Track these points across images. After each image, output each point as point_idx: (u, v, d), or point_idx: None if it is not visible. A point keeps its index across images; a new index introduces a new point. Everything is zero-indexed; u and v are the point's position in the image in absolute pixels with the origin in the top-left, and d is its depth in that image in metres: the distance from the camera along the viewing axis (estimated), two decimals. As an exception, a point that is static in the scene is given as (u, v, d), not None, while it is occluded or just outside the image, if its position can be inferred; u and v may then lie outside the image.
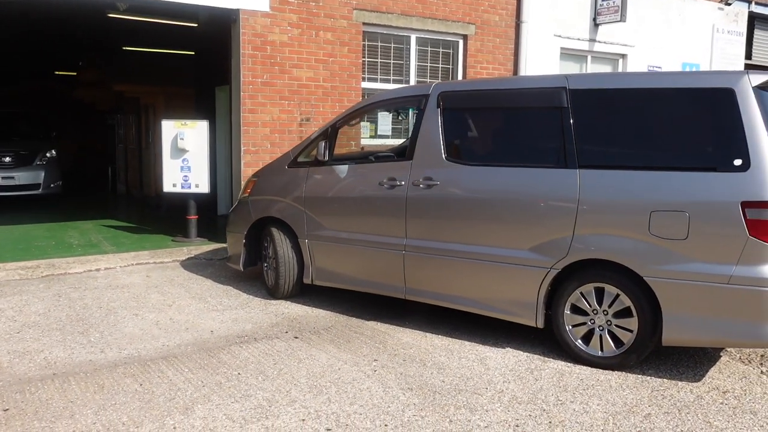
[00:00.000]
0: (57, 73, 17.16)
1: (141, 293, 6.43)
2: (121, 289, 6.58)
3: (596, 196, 4.52)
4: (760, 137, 4.03)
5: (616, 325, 4.54)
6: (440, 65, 9.94)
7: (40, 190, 12.37)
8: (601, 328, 4.60)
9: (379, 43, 9.36)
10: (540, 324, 4.82)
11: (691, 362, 4.74)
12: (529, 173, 4.82)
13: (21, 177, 12.15)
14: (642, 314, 4.41)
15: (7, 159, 12.09)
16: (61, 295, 6.32)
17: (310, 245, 6.00)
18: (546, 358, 4.80)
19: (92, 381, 4.31)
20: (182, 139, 8.50)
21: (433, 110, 5.30)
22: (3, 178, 12.00)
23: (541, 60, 10.64)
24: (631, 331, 4.48)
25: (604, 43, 11.40)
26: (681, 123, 4.37)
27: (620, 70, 11.94)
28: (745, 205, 4.03)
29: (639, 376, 4.49)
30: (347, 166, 5.80)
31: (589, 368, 4.62)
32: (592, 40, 11.26)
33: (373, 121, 9.35)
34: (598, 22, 11.14)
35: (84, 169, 18.34)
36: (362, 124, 9.21)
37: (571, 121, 4.66)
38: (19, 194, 12.18)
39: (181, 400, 4.02)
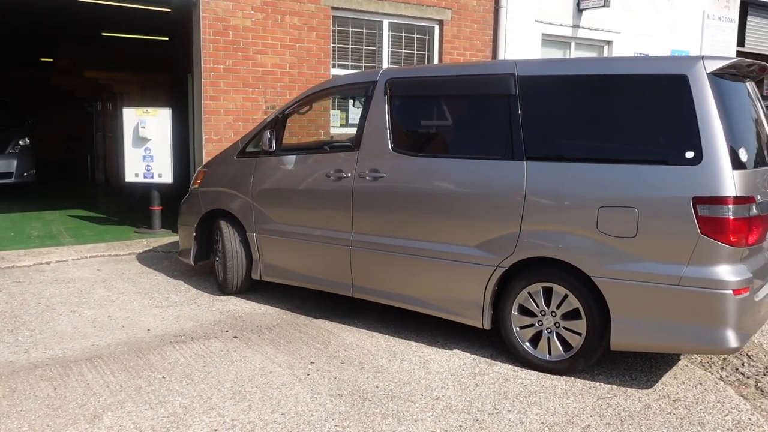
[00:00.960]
0: (42, 60, 16.90)
1: (86, 288, 6.18)
2: (66, 283, 6.33)
3: (544, 190, 4.24)
4: (714, 128, 3.74)
5: (564, 328, 4.27)
6: (415, 52, 9.61)
7: (13, 178, 12.09)
8: (549, 330, 4.33)
9: (351, 29, 9.04)
10: (487, 325, 4.55)
11: (646, 366, 4.47)
12: (476, 165, 4.53)
13: (-6, 165, 11.88)
14: (591, 316, 4.13)
15: (-21, 147, 11.83)
16: (2, 289, 6.07)
17: (258, 239, 5.73)
18: (493, 362, 4.54)
19: (5, 384, 4.06)
20: (143, 127, 8.21)
21: (381, 98, 5.01)
22: (-25, 166, 11.73)
23: (521, 47, 10.30)
24: (579, 334, 4.21)
25: (588, 29, 11.05)
26: (632, 112, 4.07)
27: (606, 56, 11.59)
28: (697, 200, 3.74)
29: (588, 381, 4.22)
30: (295, 157, 5.52)
31: (537, 373, 4.35)
32: (576, 26, 10.92)
33: (344, 110, 9.05)
34: (581, 7, 10.79)
35: (65, 158, 18.06)
36: (332, 112, 8.92)
37: (519, 109, 4.37)
38: (-5, 183, 11.92)
39: (92, 407, 3.77)
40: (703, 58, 3.87)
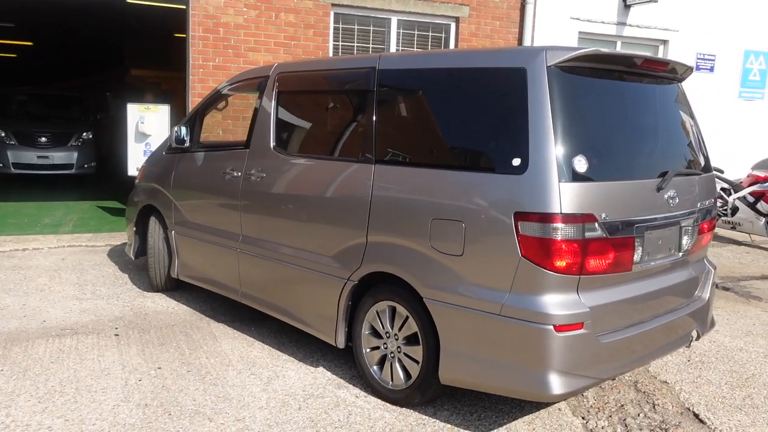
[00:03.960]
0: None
1: (33, 276, 6.36)
2: (20, 270, 6.56)
3: (386, 197, 3.77)
4: (544, 131, 3.12)
5: (405, 354, 3.78)
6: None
7: (73, 169, 12.92)
8: (392, 355, 3.85)
9: (356, 26, 8.76)
10: (340, 344, 4.13)
11: (508, 406, 3.85)
12: (336, 168, 4.13)
13: (55, 157, 12.74)
14: (426, 343, 3.62)
15: (43, 139, 12.72)
16: (-43, 272, 6.41)
17: (176, 237, 5.62)
18: (346, 385, 4.11)
19: None
20: (143, 123, 8.42)
21: (270, 94, 4.72)
22: (38, 157, 12.63)
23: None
24: (417, 363, 3.70)
25: (638, 27, 10.03)
26: (469, 111, 3.51)
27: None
28: (518, 217, 3.15)
29: (425, 417, 3.70)
30: (203, 154, 5.36)
31: (378, 401, 3.89)
32: (622, 24, 9.94)
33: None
34: (628, 2, 9.81)
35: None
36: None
37: (374, 106, 3.93)
38: (52, 173, 12.79)
39: None
40: (547, 48, 3.26)
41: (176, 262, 5.66)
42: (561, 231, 3.06)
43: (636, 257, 3.40)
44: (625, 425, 3.76)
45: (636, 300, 3.46)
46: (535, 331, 3.12)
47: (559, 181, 3.07)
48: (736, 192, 9.28)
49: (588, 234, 3.13)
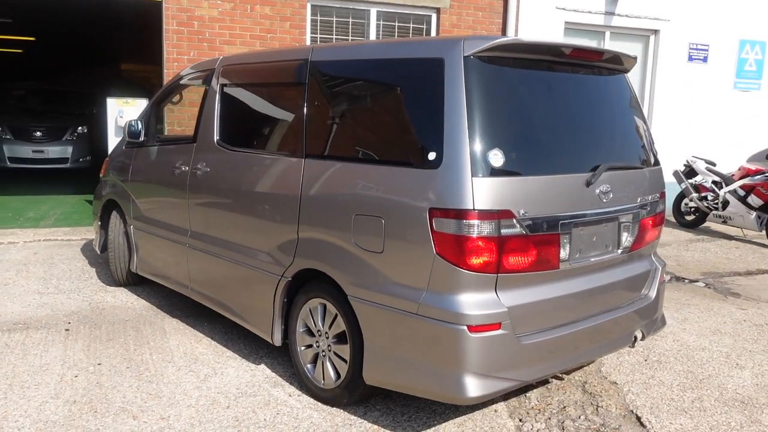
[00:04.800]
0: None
1: (1, 270, 6.36)
2: (-10, 264, 6.58)
3: (314, 192, 3.69)
4: (458, 123, 3.02)
5: (335, 353, 3.70)
6: (411, 42, 9.02)
7: (68, 164, 12.97)
8: (323, 353, 3.78)
9: (335, 18, 8.66)
10: (277, 341, 4.06)
11: (444, 405, 3.76)
12: (272, 162, 4.06)
13: (50, 151, 12.79)
14: (353, 342, 3.54)
15: (38, 133, 12.77)
16: (-73, 266, 6.43)
17: (134, 232, 5.58)
18: (284, 383, 4.05)
19: None
20: (121, 117, 8.39)
21: (215, 86, 4.65)
22: (33, 151, 12.69)
23: (539, 36, 9.34)
24: (346, 362, 3.62)
25: (627, 17, 9.82)
26: (393, 103, 3.41)
27: (651, 48, 10.26)
28: (432, 213, 3.05)
29: (353, 417, 3.63)
30: (157, 148, 5.31)
31: (310, 401, 3.82)
32: (610, 13, 9.73)
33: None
34: (617, -9, 9.60)
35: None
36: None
37: (306, 99, 3.84)
38: (47, 167, 12.85)
39: None
40: (465, 38, 3.15)
41: (135, 257, 5.63)
42: (475, 228, 2.96)
43: (563, 255, 3.29)
44: (563, 428, 3.65)
45: (565, 299, 3.35)
46: (449, 331, 3.02)
47: (473, 176, 2.96)
48: (727, 185, 9.08)
49: (505, 231, 3.02)
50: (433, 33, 8.99)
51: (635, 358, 4.61)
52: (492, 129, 3.06)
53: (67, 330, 4.87)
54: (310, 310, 3.83)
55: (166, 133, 5.27)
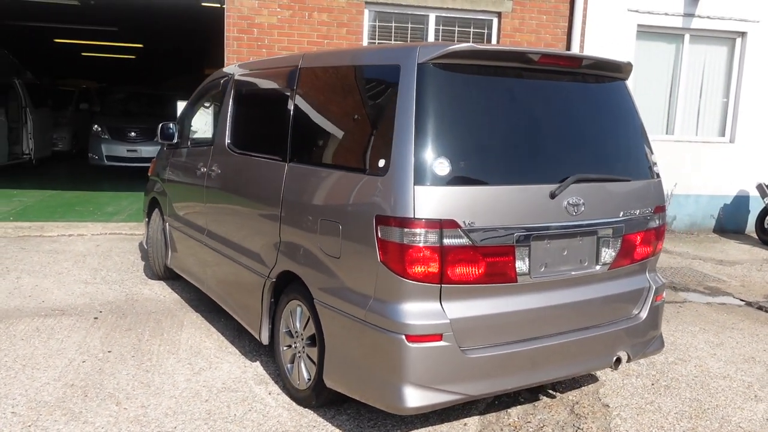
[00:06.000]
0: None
1: (62, 260, 6.91)
2: (56, 254, 7.14)
3: (292, 195, 3.78)
4: (406, 131, 2.99)
5: (307, 354, 3.76)
6: (471, 47, 8.92)
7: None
8: (299, 354, 3.85)
9: (393, 24, 8.72)
10: (264, 339, 4.18)
11: (413, 418, 3.72)
12: (265, 165, 4.18)
13: (143, 150, 13.70)
14: (320, 345, 3.59)
15: (133, 134, 13.73)
16: (5, 253, 7.05)
17: (169, 228, 5.90)
18: (269, 381, 4.16)
19: None
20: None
21: (229, 92, 4.85)
22: (128, 150, 13.67)
23: (608, 39, 8.97)
24: (315, 364, 3.68)
25: (708, 18, 9.21)
26: (357, 110, 3.42)
27: (738, 52, 9.57)
28: (378, 220, 3.04)
29: (320, 420, 3.66)
30: (186, 150, 5.58)
31: (287, 401, 3.90)
32: (690, 15, 9.17)
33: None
34: (697, -8, 9.04)
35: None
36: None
37: (293, 105, 3.93)
38: (140, 165, 13.74)
39: None
40: (422, 46, 3.11)
41: (170, 253, 5.94)
42: (416, 237, 2.93)
43: (522, 268, 3.17)
44: (531, 445, 3.52)
45: (525, 314, 3.22)
46: (389, 340, 3.00)
47: (416, 185, 2.93)
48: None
49: (448, 241, 2.96)
50: (494, 38, 8.85)
51: (642, 381, 4.35)
52: (441, 137, 3.01)
53: (95, 318, 5.22)
54: (290, 312, 3.91)
55: (199, 136, 5.50)
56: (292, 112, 3.91)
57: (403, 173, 2.95)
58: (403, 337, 2.96)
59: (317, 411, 3.76)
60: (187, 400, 3.86)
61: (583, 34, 8.87)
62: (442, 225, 2.94)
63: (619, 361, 3.60)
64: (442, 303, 3.03)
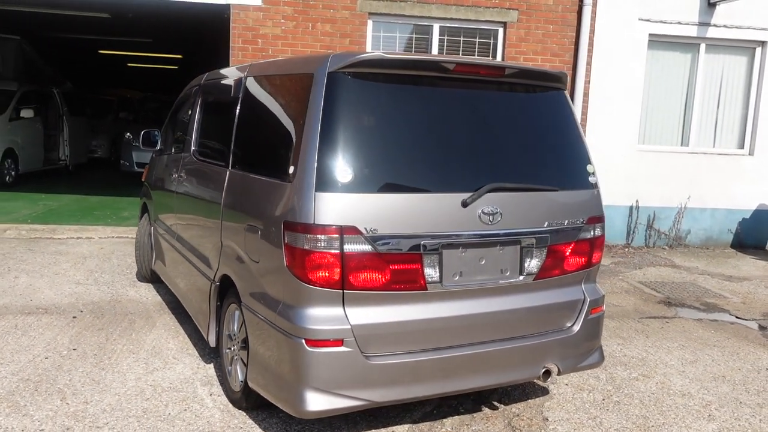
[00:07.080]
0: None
1: (63, 261, 7.18)
2: (60, 255, 7.44)
3: (228, 200, 3.87)
4: (311, 138, 3.04)
5: (240, 357, 3.83)
6: (477, 58, 8.90)
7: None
8: (235, 357, 3.91)
9: (398, 34, 8.77)
10: (212, 342, 4.26)
11: (345, 421, 3.73)
12: (213, 172, 4.29)
13: (170, 157, 14.10)
14: (248, 348, 3.64)
15: (161, 141, 14.15)
16: (14, 255, 7.37)
17: (154, 233, 6.08)
18: (215, 383, 4.23)
19: None
20: (198, 127, 9.07)
21: (197, 100, 5.00)
22: (155, 157, 14.09)
23: (617, 49, 8.81)
24: (246, 366, 3.74)
25: (725, 27, 8.94)
26: (278, 118, 3.49)
27: (758, 62, 9.25)
28: (284, 226, 3.09)
29: (248, 422, 3.72)
30: (167, 156, 5.75)
31: (227, 402, 3.97)
32: (705, 24, 8.92)
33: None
34: (712, 0, 8.79)
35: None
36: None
37: (237, 113, 4.03)
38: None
39: None
40: (333, 54, 3.16)
41: (153, 256, 6.12)
42: (316, 242, 2.96)
43: (433, 276, 3.16)
44: (454, 457, 3.49)
45: (437, 322, 3.21)
46: (291, 344, 3.04)
47: (317, 191, 2.97)
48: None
49: (349, 247, 2.98)
50: (500, 48, 8.80)
51: (594, 396, 4.25)
52: (346, 145, 3.04)
53: (74, 318, 5.41)
54: (231, 315, 3.98)
55: (177, 143, 5.68)
56: (235, 120, 4.00)
57: (307, 180, 3.00)
58: (303, 341, 3.00)
59: (249, 413, 3.82)
60: (129, 398, 3.97)
61: (591, 44, 8.73)
62: (343, 231, 2.97)
63: (548, 373, 3.54)
64: (345, 309, 3.05)
